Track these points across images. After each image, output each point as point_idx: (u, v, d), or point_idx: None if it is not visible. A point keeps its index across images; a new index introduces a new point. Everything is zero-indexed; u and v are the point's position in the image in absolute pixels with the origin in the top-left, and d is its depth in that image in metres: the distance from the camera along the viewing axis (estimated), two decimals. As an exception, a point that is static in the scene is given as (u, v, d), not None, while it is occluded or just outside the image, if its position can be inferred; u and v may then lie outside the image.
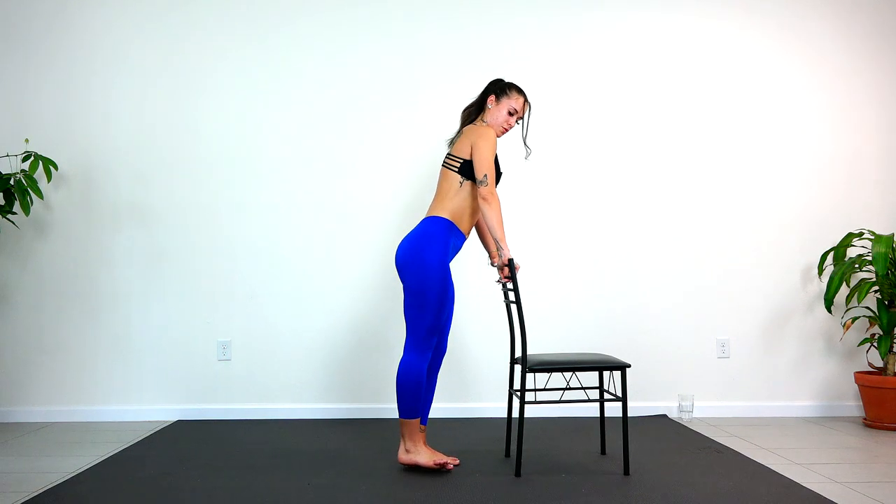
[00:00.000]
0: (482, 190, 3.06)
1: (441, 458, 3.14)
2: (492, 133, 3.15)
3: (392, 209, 4.31)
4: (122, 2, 4.36)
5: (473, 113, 3.32)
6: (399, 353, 4.22)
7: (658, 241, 4.40)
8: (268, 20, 4.37)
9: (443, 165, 3.22)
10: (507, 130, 3.27)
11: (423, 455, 3.12)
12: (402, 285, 3.16)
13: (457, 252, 3.24)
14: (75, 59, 4.34)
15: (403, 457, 3.15)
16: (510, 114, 3.23)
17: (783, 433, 3.93)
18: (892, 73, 4.47)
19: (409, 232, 3.26)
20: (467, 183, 3.16)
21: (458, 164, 3.16)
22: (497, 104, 3.24)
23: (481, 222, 3.37)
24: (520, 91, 3.26)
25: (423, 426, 3.24)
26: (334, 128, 4.37)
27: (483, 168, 3.08)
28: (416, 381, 3.06)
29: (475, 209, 3.19)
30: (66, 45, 4.34)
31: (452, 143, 3.27)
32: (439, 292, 3.05)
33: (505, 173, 4.11)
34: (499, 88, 3.26)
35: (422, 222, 3.16)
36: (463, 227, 3.19)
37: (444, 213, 3.15)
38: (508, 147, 4.05)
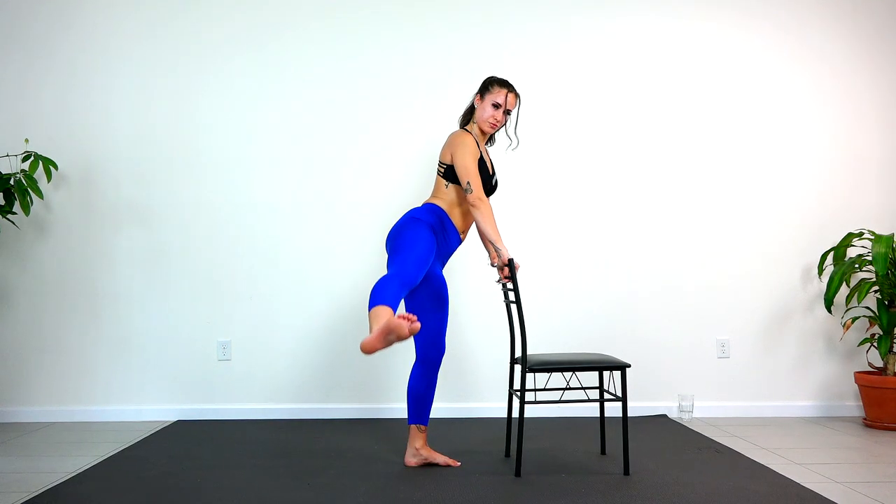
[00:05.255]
0: (469, 197, 3.07)
1: (435, 457, 3.14)
2: (468, 139, 3.15)
3: (392, 209, 4.30)
4: (122, 2, 4.36)
5: (468, 116, 3.34)
6: (400, 353, 4.21)
7: (658, 242, 4.40)
8: (268, 22, 4.37)
9: (436, 170, 3.26)
10: (496, 125, 3.25)
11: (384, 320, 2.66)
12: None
13: (451, 252, 3.25)
14: (75, 59, 4.34)
15: (370, 339, 2.59)
16: (495, 107, 3.21)
17: (783, 433, 3.93)
18: (892, 73, 4.47)
19: None
20: (453, 186, 3.18)
21: (444, 170, 3.19)
22: (482, 102, 3.25)
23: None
24: (502, 84, 3.24)
25: (424, 427, 3.24)
26: (334, 129, 4.37)
27: (466, 175, 3.08)
28: (395, 286, 2.80)
29: (466, 210, 3.20)
30: (67, 46, 4.34)
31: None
32: (425, 242, 3.02)
33: (507, 173, 4.11)
34: (483, 86, 3.28)
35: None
36: (456, 221, 3.19)
37: (436, 202, 3.20)
38: (507, 148, 4.05)
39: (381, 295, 2.71)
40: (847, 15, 4.47)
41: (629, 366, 3.15)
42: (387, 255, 3.15)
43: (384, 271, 4.18)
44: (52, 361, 4.30)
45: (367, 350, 2.55)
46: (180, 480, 3.06)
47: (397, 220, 3.23)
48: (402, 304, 3.24)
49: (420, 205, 3.27)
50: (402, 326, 2.51)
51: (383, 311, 2.64)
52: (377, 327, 2.56)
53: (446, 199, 3.19)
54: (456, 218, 3.20)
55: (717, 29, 4.44)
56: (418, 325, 2.56)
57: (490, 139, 3.37)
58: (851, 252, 4.33)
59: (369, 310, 2.69)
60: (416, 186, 4.28)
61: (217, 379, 4.31)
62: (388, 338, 2.54)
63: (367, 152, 4.37)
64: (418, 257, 2.98)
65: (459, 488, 2.93)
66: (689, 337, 4.38)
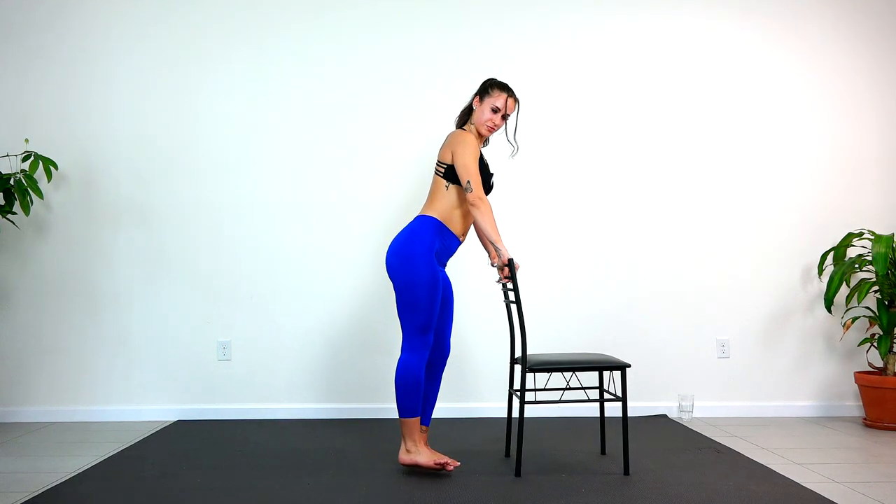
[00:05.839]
0: (469, 196, 3.05)
1: (441, 459, 3.12)
2: (470, 138, 3.14)
3: (391, 209, 4.31)
4: (121, 2, 4.36)
5: (465, 116, 3.31)
6: (399, 352, 4.22)
7: (658, 242, 4.40)
8: (267, 22, 4.38)
9: (434, 170, 3.24)
10: (493, 129, 3.23)
11: (424, 455, 3.10)
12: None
13: (451, 254, 3.23)
14: (75, 59, 4.34)
15: (404, 457, 3.12)
16: (494, 111, 3.19)
17: (783, 433, 3.93)
18: (892, 73, 4.47)
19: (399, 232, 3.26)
20: (453, 186, 3.15)
21: (444, 170, 3.16)
22: (481, 104, 3.23)
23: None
24: (503, 88, 3.22)
25: (425, 427, 3.24)
26: (333, 128, 4.37)
27: (466, 175, 3.06)
28: (415, 380, 3.06)
29: (466, 211, 3.18)
30: (67, 46, 4.34)
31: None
32: (428, 288, 3.03)
33: (507, 174, 4.10)
34: (482, 88, 3.25)
35: (411, 222, 3.18)
36: (454, 228, 3.17)
37: (432, 213, 3.16)
38: (506, 148, 4.04)
39: (406, 403, 3.07)
40: (848, 14, 4.47)
41: (629, 366, 3.15)
42: (392, 288, 3.16)
43: (383, 270, 4.21)
44: (52, 361, 4.30)
45: (403, 465, 3.15)
46: (180, 480, 3.07)
47: (395, 233, 3.20)
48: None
49: (415, 217, 3.21)
50: (435, 469, 3.09)
51: (413, 427, 3.10)
52: (413, 454, 3.10)
53: (445, 202, 3.15)
54: (455, 222, 3.18)
55: (717, 28, 4.44)
56: (451, 468, 3.09)
57: (485, 141, 3.36)
58: (851, 252, 4.33)
59: (399, 415, 3.09)
60: (416, 186, 4.28)
61: (217, 379, 4.31)
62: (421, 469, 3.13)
63: (367, 152, 4.37)
64: (427, 312, 3.05)
65: (459, 488, 2.93)
66: (689, 337, 4.38)
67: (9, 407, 4.28)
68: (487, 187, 3.20)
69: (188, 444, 3.68)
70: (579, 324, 4.34)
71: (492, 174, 3.24)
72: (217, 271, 4.32)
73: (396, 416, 4.23)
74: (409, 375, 3.06)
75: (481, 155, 3.20)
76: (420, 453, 3.11)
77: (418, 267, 3.04)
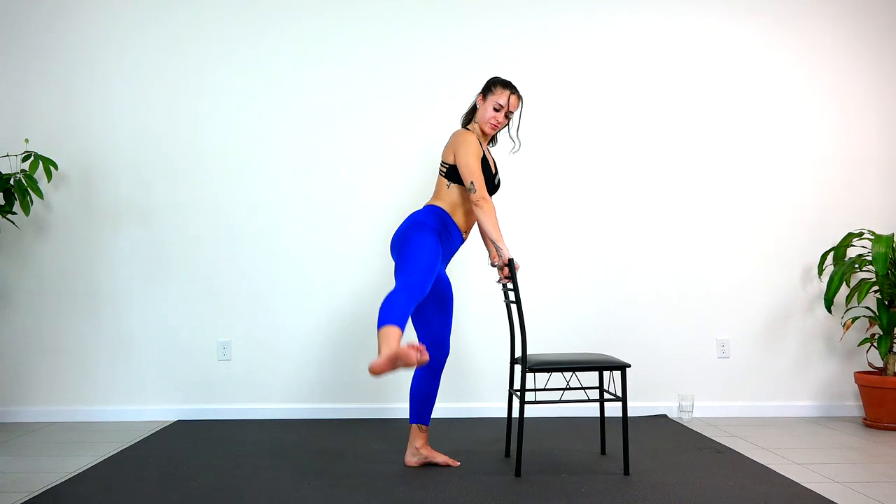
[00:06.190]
0: (472, 197, 3.07)
1: (436, 458, 3.16)
2: (471, 138, 3.16)
3: (392, 209, 4.30)
4: (121, 2, 4.36)
5: (470, 115, 3.33)
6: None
7: (658, 241, 4.40)
8: (268, 21, 4.37)
9: (438, 170, 3.26)
10: (496, 127, 3.24)
11: (394, 346, 2.66)
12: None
13: (453, 252, 3.25)
14: (75, 59, 4.34)
15: (378, 363, 2.59)
16: (496, 109, 3.20)
17: (783, 433, 3.93)
18: (892, 73, 4.47)
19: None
20: (455, 185, 3.18)
21: (446, 169, 3.18)
22: (484, 102, 3.24)
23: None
24: (505, 85, 3.23)
25: (425, 427, 3.24)
26: (335, 128, 4.37)
27: (469, 175, 3.08)
28: (402, 302, 2.81)
29: (469, 210, 3.20)
30: (67, 46, 4.34)
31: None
32: (430, 247, 3.02)
33: (508, 174, 4.10)
34: (486, 87, 3.27)
35: (417, 209, 3.23)
36: (458, 222, 3.19)
37: (438, 204, 3.20)
38: (510, 152, 4.05)
39: (389, 314, 2.74)
40: (849, 14, 4.47)
41: (629, 366, 3.15)
42: (393, 263, 3.16)
43: (385, 271, 4.21)
44: (52, 361, 4.30)
45: (375, 373, 2.59)
46: (180, 480, 3.07)
47: (400, 223, 3.23)
48: (410, 322, 3.20)
49: (422, 207, 3.26)
50: (411, 356, 2.56)
51: (392, 333, 2.67)
52: (385, 351, 2.60)
53: (448, 199, 3.19)
54: (459, 218, 3.20)
55: (717, 28, 4.44)
56: (427, 356, 2.59)
57: (492, 139, 3.37)
58: (851, 252, 4.33)
59: (378, 328, 2.72)
60: (417, 186, 4.28)
61: (217, 379, 4.31)
62: (396, 364, 2.59)
63: (367, 152, 4.37)
64: (425, 268, 2.98)
65: (459, 488, 2.93)
66: (689, 337, 4.37)
67: (9, 407, 4.28)
68: (492, 187, 3.20)
69: (188, 444, 3.68)
70: (579, 324, 4.34)
71: (496, 174, 3.25)
72: (217, 271, 4.32)
73: (397, 416, 4.23)
74: (397, 298, 2.81)
75: (485, 154, 3.20)
76: (394, 350, 2.61)
77: (421, 232, 3.06)
